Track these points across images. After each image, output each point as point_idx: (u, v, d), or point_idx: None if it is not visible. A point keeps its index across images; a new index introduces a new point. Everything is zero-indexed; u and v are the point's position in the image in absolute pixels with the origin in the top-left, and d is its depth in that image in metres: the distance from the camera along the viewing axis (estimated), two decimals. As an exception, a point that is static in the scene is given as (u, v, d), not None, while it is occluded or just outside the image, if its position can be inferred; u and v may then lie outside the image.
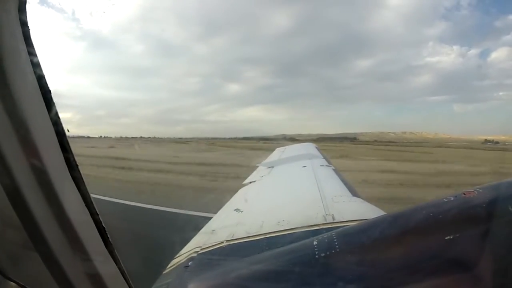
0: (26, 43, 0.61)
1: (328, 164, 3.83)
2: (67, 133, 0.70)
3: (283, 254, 0.96)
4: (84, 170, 0.74)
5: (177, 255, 1.55)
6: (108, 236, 0.79)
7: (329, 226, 1.51)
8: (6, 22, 0.57)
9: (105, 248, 0.78)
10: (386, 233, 0.81)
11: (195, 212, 5.97)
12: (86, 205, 0.73)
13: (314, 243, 0.90)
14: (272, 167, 4.15)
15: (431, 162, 18.61)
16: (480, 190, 0.80)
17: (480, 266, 0.69)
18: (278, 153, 5.92)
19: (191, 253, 1.47)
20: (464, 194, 0.80)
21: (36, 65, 0.63)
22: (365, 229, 0.87)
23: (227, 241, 1.54)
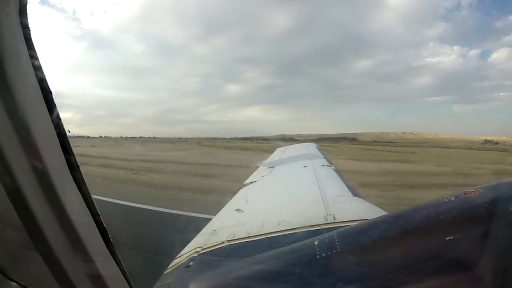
0: (27, 44, 0.62)
1: (329, 164, 3.83)
2: (68, 134, 0.71)
3: (284, 254, 0.96)
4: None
5: (178, 255, 1.55)
6: (109, 236, 0.79)
7: (330, 226, 1.51)
8: (7, 24, 0.58)
9: (106, 249, 0.78)
10: (387, 233, 0.81)
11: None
12: (87, 206, 0.74)
13: (315, 243, 0.90)
14: (273, 167, 4.15)
15: (406, 162, 18.77)
16: (481, 190, 0.80)
17: (480, 266, 0.69)
18: (279, 153, 5.92)
19: (192, 253, 1.47)
20: (465, 194, 0.80)
21: (37, 67, 0.63)
22: (366, 229, 0.87)
23: (228, 241, 1.54)
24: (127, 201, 7.31)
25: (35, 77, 0.63)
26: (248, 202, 2.48)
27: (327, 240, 0.89)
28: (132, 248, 3.73)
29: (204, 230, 1.89)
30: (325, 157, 4.53)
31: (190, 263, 1.36)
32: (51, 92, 0.66)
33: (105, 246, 0.78)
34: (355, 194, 2.28)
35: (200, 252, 1.47)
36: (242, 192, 2.95)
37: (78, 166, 0.72)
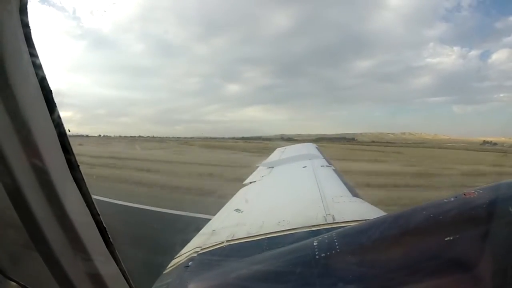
0: (27, 44, 0.62)
1: (329, 165, 3.83)
2: (68, 133, 0.70)
3: (283, 255, 0.96)
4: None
5: (177, 255, 1.55)
6: (109, 236, 0.79)
7: (329, 226, 1.51)
8: (8, 23, 0.58)
9: (106, 249, 0.78)
10: (386, 234, 0.81)
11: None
12: (87, 206, 0.73)
13: (315, 243, 0.90)
14: (273, 167, 4.15)
15: (376, 161, 18.76)
16: (480, 191, 0.80)
17: (480, 266, 0.69)
18: (278, 153, 5.92)
19: (191, 253, 1.47)
20: (464, 195, 0.80)
21: (37, 66, 0.63)
22: (365, 229, 0.87)
23: (227, 241, 1.54)
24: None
25: (35, 76, 0.63)
26: (248, 202, 2.47)
27: (326, 241, 0.90)
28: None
29: (204, 230, 1.88)
30: (324, 158, 4.53)
31: (190, 263, 1.35)
32: (51, 91, 0.66)
33: (104, 246, 0.78)
34: (354, 194, 2.29)
35: (199, 252, 1.47)
36: (241, 192, 2.95)
37: (78, 166, 0.72)
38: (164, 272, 1.40)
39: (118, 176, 11.44)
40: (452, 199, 0.81)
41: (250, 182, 3.36)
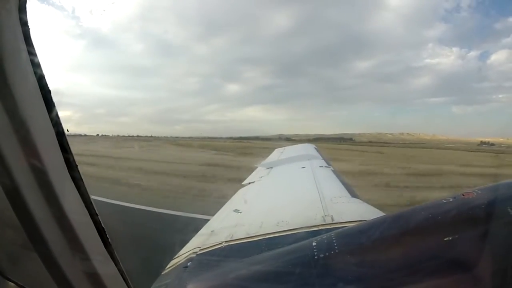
0: (26, 43, 0.61)
1: (327, 165, 3.84)
2: (66, 133, 0.70)
3: (282, 255, 0.96)
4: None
5: (176, 256, 1.54)
6: (108, 236, 0.78)
7: (328, 227, 1.51)
8: (7, 21, 0.57)
9: (104, 249, 0.78)
10: (385, 234, 0.81)
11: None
12: (85, 206, 0.73)
13: (313, 244, 0.90)
14: (271, 168, 4.15)
15: (344, 161, 18.26)
16: (479, 192, 0.80)
17: (479, 266, 0.69)
18: (277, 154, 5.92)
19: (190, 254, 1.47)
20: (463, 195, 0.81)
21: (36, 65, 0.63)
22: (364, 230, 0.87)
23: (226, 241, 1.54)
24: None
25: (34, 75, 0.63)
26: (247, 202, 2.47)
27: (325, 241, 0.90)
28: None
29: (203, 231, 1.88)
30: (323, 158, 4.54)
31: (188, 264, 1.35)
32: (50, 90, 0.66)
33: (103, 246, 0.77)
34: (353, 195, 2.29)
35: (198, 253, 1.46)
36: (240, 192, 2.95)
37: (77, 166, 0.72)
38: (162, 273, 1.40)
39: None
40: (451, 199, 0.81)
41: (249, 183, 3.36)
